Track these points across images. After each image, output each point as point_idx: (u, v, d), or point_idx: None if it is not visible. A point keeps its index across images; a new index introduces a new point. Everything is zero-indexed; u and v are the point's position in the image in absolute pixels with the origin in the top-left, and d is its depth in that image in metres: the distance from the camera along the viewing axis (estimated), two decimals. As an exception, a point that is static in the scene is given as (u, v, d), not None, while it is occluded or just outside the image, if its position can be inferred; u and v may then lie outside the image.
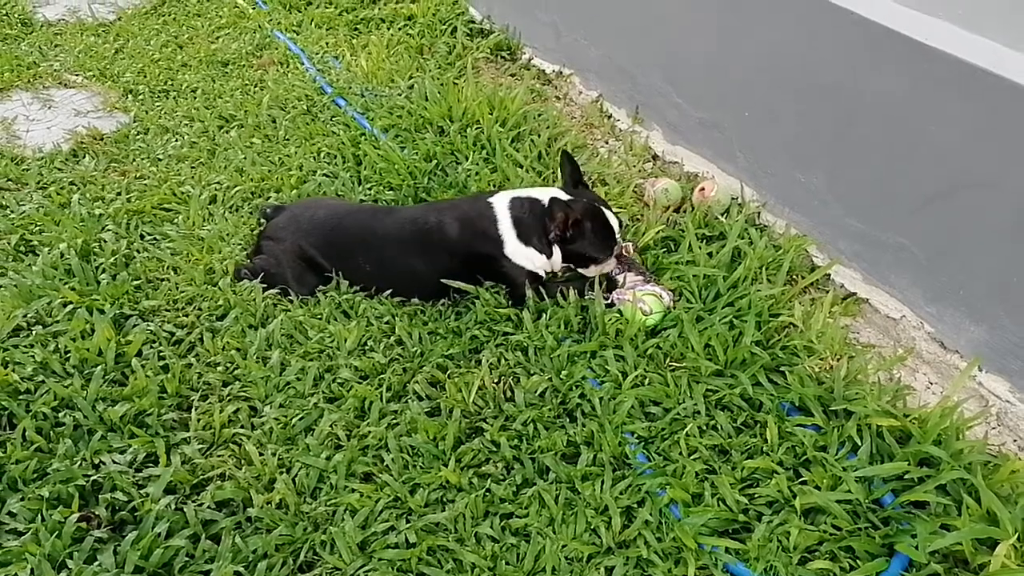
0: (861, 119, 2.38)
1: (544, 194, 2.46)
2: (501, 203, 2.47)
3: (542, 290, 2.46)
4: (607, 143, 3.43)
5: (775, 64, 2.62)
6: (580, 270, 2.54)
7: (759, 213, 2.80)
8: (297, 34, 4.32)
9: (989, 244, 2.13)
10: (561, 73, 3.82)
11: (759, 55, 2.68)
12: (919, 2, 2.20)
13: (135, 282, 2.52)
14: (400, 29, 4.28)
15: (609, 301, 2.43)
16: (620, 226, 2.47)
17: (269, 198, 2.98)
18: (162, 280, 2.56)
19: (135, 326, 2.37)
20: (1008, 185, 2.03)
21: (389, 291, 2.53)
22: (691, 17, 2.94)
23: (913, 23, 2.18)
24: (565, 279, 2.56)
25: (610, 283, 2.52)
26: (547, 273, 2.54)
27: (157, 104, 3.65)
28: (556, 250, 2.47)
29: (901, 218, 2.35)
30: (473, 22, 4.36)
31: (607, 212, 2.45)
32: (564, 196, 2.43)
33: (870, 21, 2.24)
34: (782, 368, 2.23)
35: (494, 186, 2.96)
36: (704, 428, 2.10)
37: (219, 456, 2.01)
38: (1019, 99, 1.93)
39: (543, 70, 3.93)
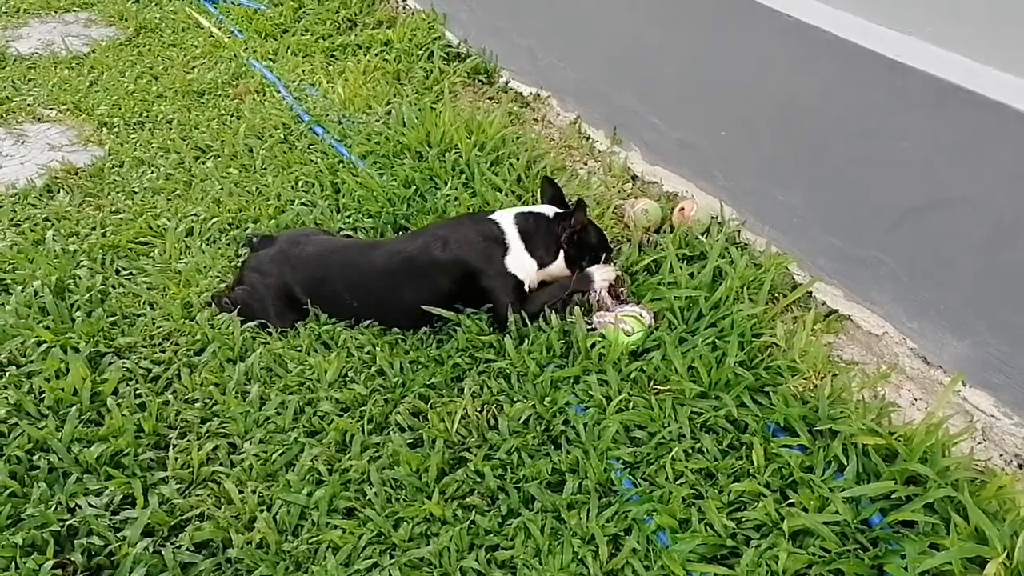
0: (837, 136, 2.39)
1: (544, 209, 2.62)
2: (506, 219, 2.55)
3: (524, 313, 2.47)
4: (586, 164, 3.43)
5: (749, 83, 2.64)
6: (589, 269, 2.58)
7: (739, 232, 2.80)
8: (273, 62, 4.32)
9: (967, 258, 2.14)
10: (539, 96, 3.83)
11: (733, 75, 2.69)
12: (891, 20, 2.22)
13: (111, 318, 2.49)
14: (377, 55, 4.28)
15: (591, 325, 2.42)
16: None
17: (247, 228, 2.95)
18: (138, 315, 2.53)
19: (111, 364, 2.33)
20: (983, 199, 2.04)
21: (371, 320, 2.52)
22: (665, 38, 2.95)
23: (884, 41, 2.19)
24: (549, 298, 2.54)
25: (589, 308, 2.51)
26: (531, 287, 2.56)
27: (132, 136, 3.62)
28: (560, 255, 2.57)
29: (879, 234, 2.35)
30: (450, 46, 4.37)
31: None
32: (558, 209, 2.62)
33: (842, 40, 2.26)
34: (766, 388, 2.22)
35: (472, 210, 2.95)
36: (690, 451, 2.08)
37: (198, 495, 1.97)
38: (992, 114, 1.95)
39: (521, 93, 3.93)
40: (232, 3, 5.08)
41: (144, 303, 2.58)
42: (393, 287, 2.49)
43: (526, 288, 2.53)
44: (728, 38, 2.67)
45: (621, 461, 2.06)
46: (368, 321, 2.51)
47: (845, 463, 1.97)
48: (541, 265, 2.55)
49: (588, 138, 3.51)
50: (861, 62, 2.22)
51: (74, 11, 5.07)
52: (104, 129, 3.68)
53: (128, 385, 2.27)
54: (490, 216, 2.56)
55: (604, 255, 2.63)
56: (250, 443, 2.11)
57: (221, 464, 2.05)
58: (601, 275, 2.52)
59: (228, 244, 2.89)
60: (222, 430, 2.15)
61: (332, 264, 2.56)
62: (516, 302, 2.48)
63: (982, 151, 2.02)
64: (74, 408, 2.13)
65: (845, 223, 2.46)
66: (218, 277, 2.71)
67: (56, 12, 5.03)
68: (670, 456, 2.03)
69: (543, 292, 2.55)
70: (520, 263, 2.51)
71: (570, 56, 3.58)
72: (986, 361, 2.15)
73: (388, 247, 2.59)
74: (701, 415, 2.15)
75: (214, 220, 2.98)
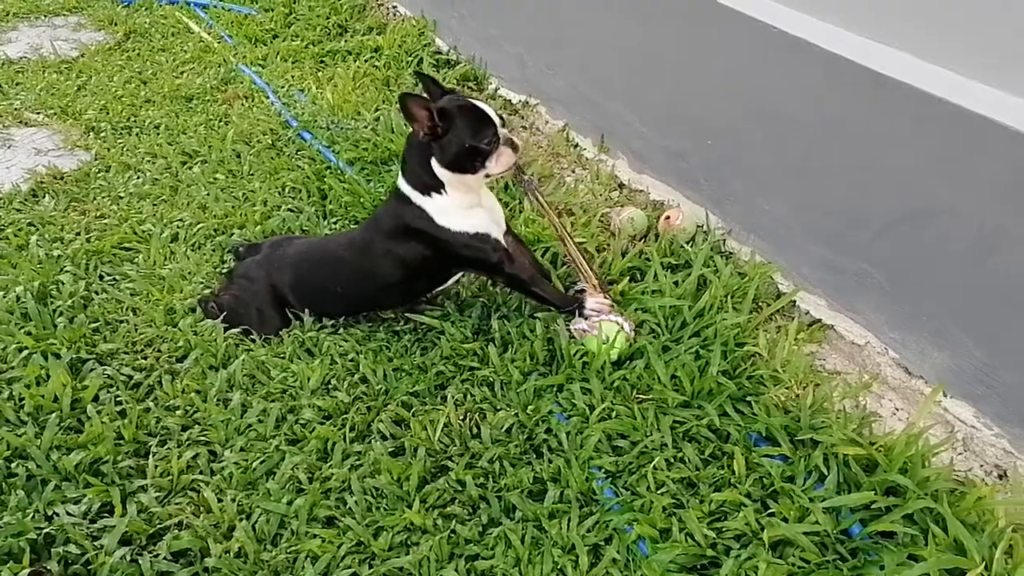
0: (822, 147, 2.40)
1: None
2: (401, 180, 2.34)
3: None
4: (574, 172, 3.43)
5: (737, 93, 2.64)
6: (482, 172, 2.26)
7: (724, 240, 2.81)
8: (262, 68, 4.31)
9: (949, 270, 2.15)
10: (527, 103, 3.84)
11: (721, 85, 2.70)
12: (877, 33, 2.22)
13: (93, 324, 2.47)
14: (366, 61, 4.28)
15: (571, 334, 2.42)
16: (498, 116, 2.26)
17: (232, 235, 2.94)
18: (121, 322, 2.51)
19: (92, 370, 2.32)
20: (965, 211, 2.05)
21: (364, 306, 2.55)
22: (652, 47, 2.96)
23: (870, 53, 2.20)
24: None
25: (580, 310, 2.49)
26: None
27: (119, 141, 3.61)
28: (445, 173, 2.24)
29: (862, 244, 2.36)
30: (439, 53, 4.37)
31: (475, 102, 2.25)
32: None
33: (828, 52, 2.27)
34: (749, 398, 2.22)
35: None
36: (672, 461, 2.08)
37: (176, 504, 1.96)
38: (975, 127, 1.96)
39: (510, 100, 3.94)
40: (223, 8, 5.08)
41: (127, 309, 2.56)
42: (368, 266, 2.43)
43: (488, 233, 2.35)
44: (716, 48, 2.68)
45: (603, 470, 2.06)
46: (363, 313, 2.54)
47: (826, 473, 1.97)
48: (438, 190, 2.28)
49: (576, 146, 3.51)
50: (847, 74, 2.23)
51: (63, 15, 5.06)
52: (91, 134, 3.67)
53: (109, 392, 2.26)
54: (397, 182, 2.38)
55: (487, 140, 2.22)
56: (231, 451, 2.10)
57: (201, 472, 2.04)
58: (592, 305, 2.46)
59: (213, 250, 2.88)
60: (203, 438, 2.14)
61: (313, 258, 2.57)
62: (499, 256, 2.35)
63: (965, 163, 2.02)
64: (54, 415, 2.12)
65: (830, 233, 2.46)
66: (202, 283, 2.70)
67: (45, 16, 5.02)
68: (652, 465, 2.03)
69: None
70: (432, 207, 2.29)
71: (558, 64, 3.58)
72: (967, 372, 2.16)
73: (359, 229, 2.57)
74: (683, 424, 2.15)
75: (200, 226, 2.97)
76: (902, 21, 2.17)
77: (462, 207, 2.33)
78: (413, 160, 2.29)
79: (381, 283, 2.45)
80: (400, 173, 2.35)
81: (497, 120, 2.25)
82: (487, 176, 2.30)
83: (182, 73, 4.28)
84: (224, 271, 2.76)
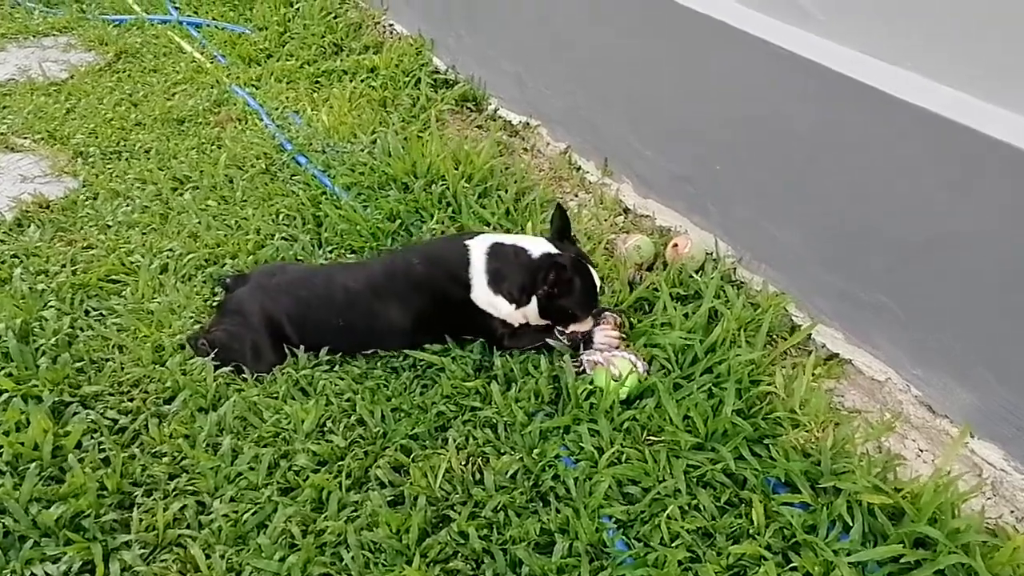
0: (834, 172, 2.30)
1: (531, 244, 2.38)
2: (479, 246, 2.39)
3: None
4: (577, 196, 3.33)
5: (745, 116, 2.55)
6: (556, 327, 2.43)
7: (735, 269, 2.71)
8: (256, 89, 4.21)
9: (972, 303, 2.05)
10: (528, 124, 3.74)
11: (728, 107, 2.61)
12: (887, 54, 2.13)
13: (77, 364, 2.36)
14: (363, 81, 4.18)
15: (580, 367, 2.32)
16: (601, 287, 2.41)
17: (224, 265, 2.83)
18: (106, 360, 2.40)
19: (75, 414, 2.21)
20: (987, 239, 1.96)
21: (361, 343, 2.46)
22: (656, 67, 2.86)
23: (881, 75, 2.11)
24: (538, 339, 2.43)
25: (586, 341, 2.40)
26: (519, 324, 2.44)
27: (108, 166, 3.50)
28: (533, 304, 2.36)
29: (879, 275, 2.26)
30: (437, 72, 4.28)
31: (592, 271, 2.37)
32: (553, 249, 2.36)
33: (838, 73, 2.17)
34: (766, 439, 2.12)
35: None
36: (686, 508, 1.97)
37: (162, 561, 1.85)
38: (996, 151, 1.86)
39: (510, 121, 3.84)
40: (216, 27, 4.99)
41: (113, 347, 2.45)
42: (379, 305, 2.42)
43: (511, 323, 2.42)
44: (722, 69, 2.58)
45: (614, 519, 1.95)
46: (368, 351, 2.46)
47: (850, 523, 1.87)
48: (512, 304, 2.37)
49: (579, 169, 3.41)
50: (858, 96, 2.14)
51: (53, 35, 4.96)
52: (79, 159, 3.56)
53: (92, 438, 2.15)
54: (467, 240, 2.44)
55: (585, 314, 2.40)
56: (220, 501, 1.98)
57: (188, 526, 1.93)
58: (602, 338, 2.38)
59: (204, 282, 2.77)
60: (191, 487, 2.03)
61: (314, 286, 2.48)
62: (504, 333, 2.40)
63: (984, 189, 1.93)
64: (34, 464, 2.01)
65: (844, 262, 2.36)
66: (192, 318, 2.59)
67: (35, 36, 4.91)
68: (665, 514, 1.93)
69: (533, 332, 2.43)
70: (486, 299, 2.37)
71: (559, 84, 3.49)
72: (994, 412, 2.05)
73: (374, 263, 2.56)
74: (697, 468, 2.05)
75: (190, 256, 2.86)
76: (918, 43, 2.09)
77: (504, 313, 2.39)
78: (514, 279, 2.35)
79: (393, 326, 2.43)
80: (484, 268, 2.36)
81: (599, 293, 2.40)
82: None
83: (174, 95, 4.17)
84: (215, 304, 2.65)
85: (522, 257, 2.36)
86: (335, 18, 4.86)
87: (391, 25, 4.81)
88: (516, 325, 2.42)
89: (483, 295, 2.36)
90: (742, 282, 2.68)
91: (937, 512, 1.85)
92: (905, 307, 2.22)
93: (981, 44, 1.95)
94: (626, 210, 3.14)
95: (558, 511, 1.96)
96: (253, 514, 1.95)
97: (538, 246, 2.38)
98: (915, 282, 2.17)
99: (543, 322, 2.42)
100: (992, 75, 1.93)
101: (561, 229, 2.47)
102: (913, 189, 2.10)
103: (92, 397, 2.27)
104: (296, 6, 5.00)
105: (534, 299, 2.35)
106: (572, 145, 3.50)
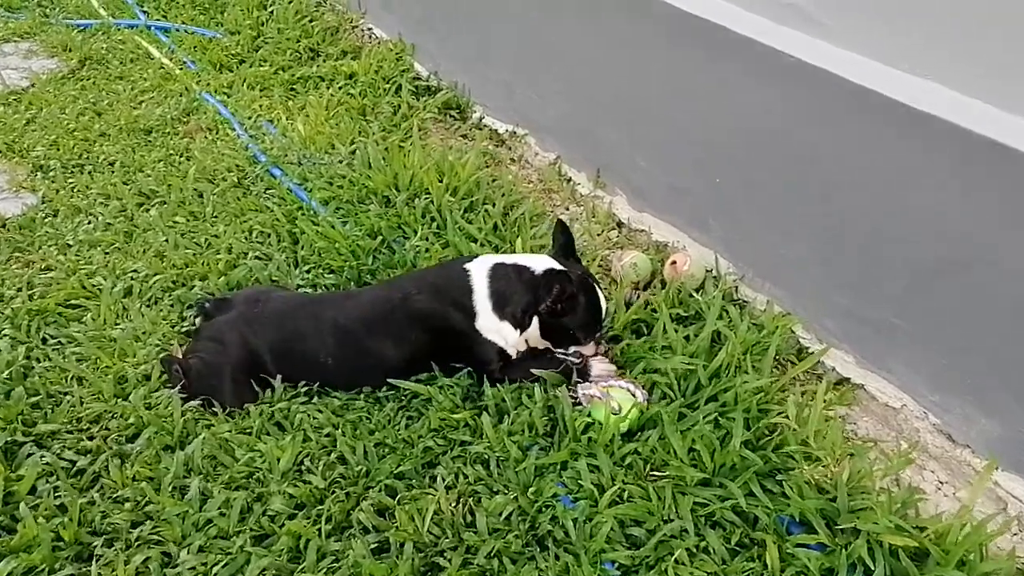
0: (844, 184, 2.18)
1: (534, 262, 2.24)
2: (479, 269, 2.24)
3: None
4: (568, 209, 3.18)
5: (746, 125, 2.41)
6: (557, 350, 2.30)
7: (737, 287, 2.57)
8: (228, 96, 4.02)
9: (993, 326, 1.93)
10: (515, 133, 3.58)
11: (729, 115, 2.47)
12: (903, 62, 2.01)
13: (32, 399, 2.19)
14: (340, 88, 4.01)
15: (576, 401, 2.17)
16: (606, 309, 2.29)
17: (193, 287, 2.65)
18: (64, 394, 2.23)
19: (29, 455, 2.04)
20: (1007, 258, 1.83)
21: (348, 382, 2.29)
22: (653, 72, 2.72)
23: (894, 84, 1.98)
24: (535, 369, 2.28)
25: (580, 372, 2.26)
26: (517, 352, 2.29)
27: (70, 181, 3.30)
28: (535, 324, 2.23)
29: (893, 295, 2.13)
30: (419, 79, 4.11)
31: (599, 291, 2.24)
32: (558, 266, 2.22)
33: (847, 81, 2.05)
34: (777, 474, 1.98)
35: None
36: (694, 551, 1.83)
37: (123, 625, 1.68)
38: (1016, 165, 1.74)
39: (496, 130, 3.68)
40: (185, 31, 4.79)
41: (72, 379, 2.27)
42: (371, 342, 2.26)
43: (509, 353, 2.27)
44: (724, 76, 2.44)
45: (617, 565, 1.81)
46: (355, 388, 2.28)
47: (872, 566, 1.74)
48: (517, 328, 2.24)
49: (569, 180, 3.26)
50: (869, 106, 2.01)
51: (14, 41, 4.73)
52: (39, 173, 3.36)
53: (48, 482, 1.97)
54: (466, 264, 2.29)
55: (589, 336, 2.29)
56: (187, 552, 1.82)
57: (152, 582, 1.76)
58: (598, 371, 2.25)
59: (172, 305, 2.60)
60: (155, 536, 1.86)
61: (301, 319, 2.31)
62: (500, 365, 2.25)
63: (1006, 205, 1.81)
64: (-18, 514, 1.83)
65: (855, 281, 2.23)
66: (158, 345, 2.41)
67: (-6, 42, 4.71)
68: (673, 559, 1.79)
69: (530, 361, 2.28)
70: (493, 326, 2.23)
71: (548, 90, 3.34)
72: (1019, 441, 1.93)
73: (365, 296, 2.39)
74: (705, 506, 1.91)
75: (156, 278, 2.68)
76: (932, 50, 1.96)
77: (511, 341, 2.26)
78: (518, 300, 2.21)
79: (386, 363, 2.28)
80: (487, 293, 2.21)
81: (604, 315, 2.29)
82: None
83: (140, 103, 3.97)
84: (186, 331, 2.48)
85: (525, 275, 2.22)
86: (311, 22, 4.68)
87: (370, 29, 4.64)
88: (514, 356, 2.27)
89: (489, 323, 2.22)
90: (745, 301, 2.54)
91: (965, 554, 1.72)
92: (921, 329, 2.09)
93: (1003, 54, 1.82)
94: (620, 224, 2.99)
95: (557, 557, 1.82)
96: (224, 566, 1.78)
97: (541, 263, 2.24)
98: (932, 303, 2.05)
99: (544, 343, 2.29)
100: (1016, 86, 1.80)
101: (565, 246, 2.35)
102: (929, 204, 1.98)
103: (48, 436, 2.10)
104: (270, 9, 4.81)
105: (536, 319, 2.22)
106: (562, 155, 3.34)
